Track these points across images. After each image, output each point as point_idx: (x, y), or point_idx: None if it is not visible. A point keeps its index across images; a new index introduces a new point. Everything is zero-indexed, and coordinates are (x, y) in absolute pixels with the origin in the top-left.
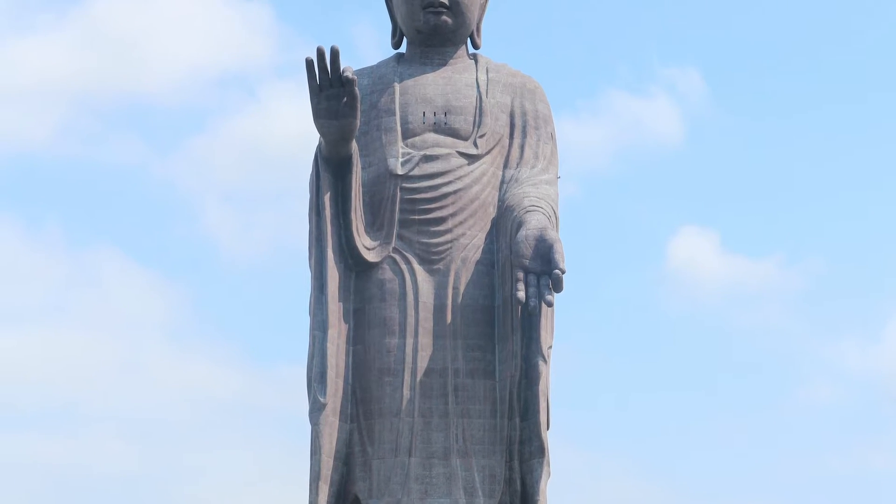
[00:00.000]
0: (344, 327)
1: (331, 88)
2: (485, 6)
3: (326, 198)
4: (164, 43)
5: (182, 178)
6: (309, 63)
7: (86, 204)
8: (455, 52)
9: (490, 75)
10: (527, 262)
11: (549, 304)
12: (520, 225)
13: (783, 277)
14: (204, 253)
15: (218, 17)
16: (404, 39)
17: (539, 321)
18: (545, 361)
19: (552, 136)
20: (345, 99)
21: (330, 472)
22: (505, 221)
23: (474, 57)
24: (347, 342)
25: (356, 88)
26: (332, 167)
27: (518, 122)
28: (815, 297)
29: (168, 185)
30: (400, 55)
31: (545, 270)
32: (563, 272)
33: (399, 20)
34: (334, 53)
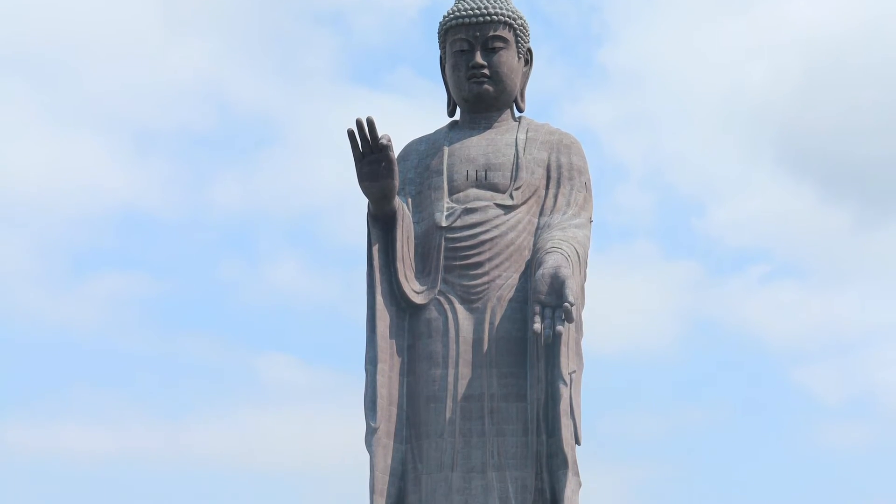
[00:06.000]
0: (397, 360)
1: (371, 154)
2: (528, 74)
3: (375, 250)
4: None
5: None
6: (350, 133)
7: None
8: (499, 117)
9: (529, 134)
10: (542, 297)
11: (559, 335)
12: (539, 264)
13: None
14: None
15: None
16: (458, 108)
17: (559, 349)
18: (566, 384)
19: (586, 186)
20: (383, 163)
21: (385, 487)
22: (533, 262)
23: (519, 119)
24: (401, 374)
25: (392, 153)
26: (379, 223)
27: (553, 175)
28: None
29: None
30: (454, 122)
31: (559, 304)
32: (573, 305)
33: (451, 90)
34: (370, 123)
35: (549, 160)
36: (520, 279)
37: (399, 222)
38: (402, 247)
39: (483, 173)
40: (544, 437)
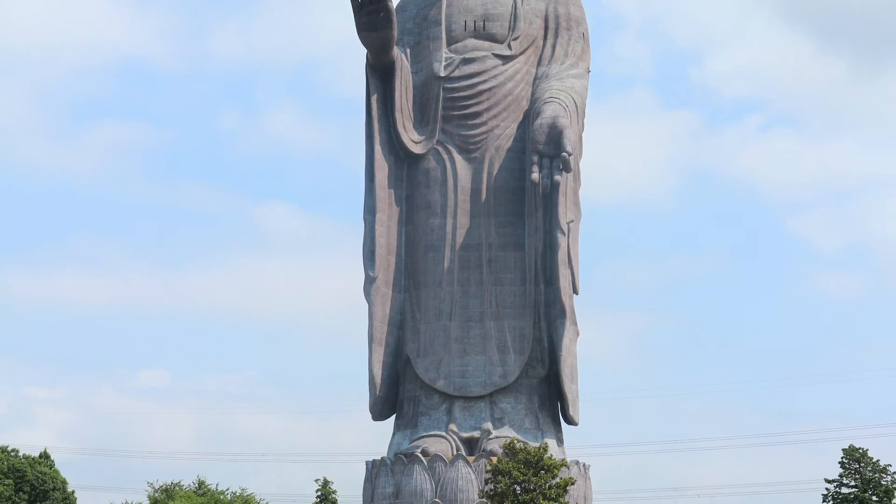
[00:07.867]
0: (396, 210)
1: (370, 5)
2: None
3: (373, 100)
4: None
5: None
6: None
7: None
8: None
9: None
10: (541, 146)
11: (556, 183)
12: (538, 114)
13: None
14: None
15: None
16: None
17: (557, 199)
18: (563, 234)
19: (583, 36)
20: (381, 13)
21: (384, 336)
22: (531, 112)
23: None
24: (400, 223)
25: (390, 3)
26: (378, 74)
27: (551, 25)
28: None
29: None
30: None
31: (556, 153)
32: (570, 154)
33: None
34: None
35: (546, 10)
36: (518, 129)
37: (397, 72)
38: (401, 97)
39: (481, 23)
40: (542, 286)
